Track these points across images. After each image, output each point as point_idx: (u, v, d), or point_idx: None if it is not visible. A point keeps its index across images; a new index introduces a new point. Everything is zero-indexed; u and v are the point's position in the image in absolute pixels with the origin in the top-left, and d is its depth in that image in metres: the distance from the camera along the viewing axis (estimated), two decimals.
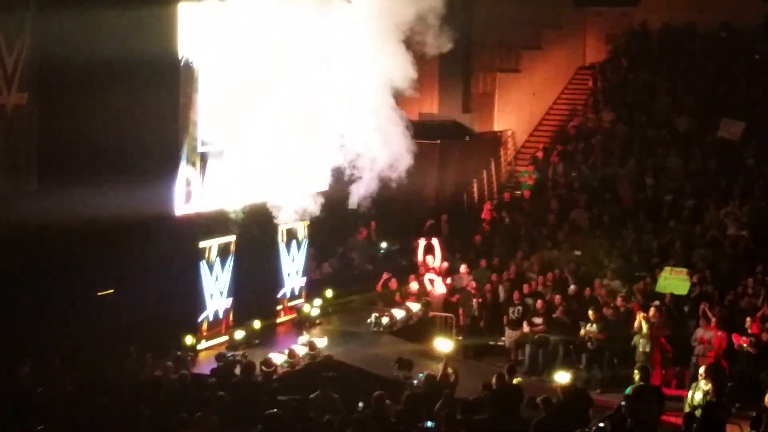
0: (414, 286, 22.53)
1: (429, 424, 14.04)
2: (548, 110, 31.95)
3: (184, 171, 18.51)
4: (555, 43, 32.63)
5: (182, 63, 18.18)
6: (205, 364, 18.03)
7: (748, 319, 19.01)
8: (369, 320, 21.58)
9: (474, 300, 22.31)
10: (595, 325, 19.93)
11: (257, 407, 14.31)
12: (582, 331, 20.06)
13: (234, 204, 19.68)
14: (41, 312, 16.94)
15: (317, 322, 21.90)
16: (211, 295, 19.71)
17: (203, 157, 18.93)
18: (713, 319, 19.05)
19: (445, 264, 23.18)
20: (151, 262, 18.26)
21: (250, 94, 18.67)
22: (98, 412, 13.80)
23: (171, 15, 17.98)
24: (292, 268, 22.15)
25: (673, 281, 20.42)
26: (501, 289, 22.52)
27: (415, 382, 16.36)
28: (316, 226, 22.52)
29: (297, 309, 21.97)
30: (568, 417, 14.49)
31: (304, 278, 22.52)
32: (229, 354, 17.99)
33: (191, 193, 18.73)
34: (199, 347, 19.10)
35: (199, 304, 19.41)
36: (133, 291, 18.03)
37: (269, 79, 18.71)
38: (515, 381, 16.19)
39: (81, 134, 17.33)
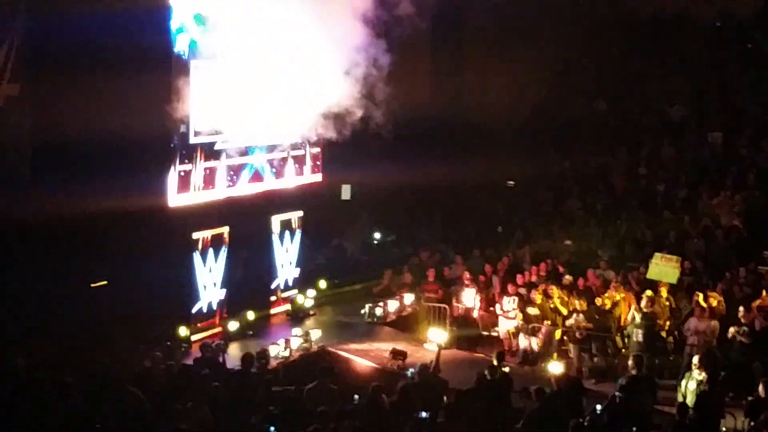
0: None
1: (423, 414, 14.06)
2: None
3: (178, 162, 18.47)
4: None
5: (175, 53, 18.13)
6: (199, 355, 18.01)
7: (741, 308, 19.01)
8: (363, 311, 21.61)
9: (468, 290, 22.28)
10: (581, 315, 19.94)
11: (252, 398, 14.31)
12: (571, 321, 20.07)
13: (227, 194, 19.66)
14: (35, 304, 16.92)
15: (311, 313, 21.92)
16: (205, 287, 19.68)
17: (196, 148, 18.89)
18: (707, 309, 19.05)
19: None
20: (145, 253, 18.20)
21: (245, 84, 18.62)
22: (93, 402, 13.77)
23: (163, 4, 17.92)
24: (286, 259, 22.15)
25: (664, 268, 20.37)
26: (495, 280, 22.50)
27: (409, 372, 16.37)
28: (310, 217, 22.52)
29: (291, 300, 21.98)
30: (561, 407, 14.52)
31: (298, 269, 22.51)
32: (213, 343, 17.81)
33: (184, 184, 18.69)
34: (192, 338, 19.08)
35: (192, 295, 19.40)
36: (127, 282, 17.98)
37: (264, 69, 18.66)
38: (504, 369, 16.27)
39: (73, 125, 17.27)
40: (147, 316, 18.06)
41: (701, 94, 28.88)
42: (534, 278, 21.86)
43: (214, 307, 19.99)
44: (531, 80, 29.94)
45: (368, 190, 25.20)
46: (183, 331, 18.93)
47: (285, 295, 22.07)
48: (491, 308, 21.46)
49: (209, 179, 19.27)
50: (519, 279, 21.76)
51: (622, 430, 14.29)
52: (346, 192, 24.70)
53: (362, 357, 19.17)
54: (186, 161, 18.66)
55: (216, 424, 13.42)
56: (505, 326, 21.03)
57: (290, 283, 22.27)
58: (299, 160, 21.75)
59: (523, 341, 20.54)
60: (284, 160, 21.32)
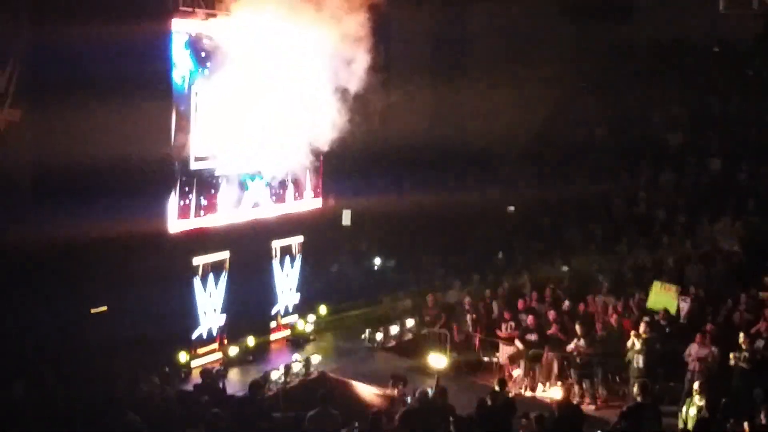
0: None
1: None
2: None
3: (178, 188, 18.51)
4: None
5: (175, 80, 18.20)
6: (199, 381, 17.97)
7: (742, 334, 18.98)
8: (363, 336, 21.58)
9: (468, 316, 22.26)
10: (582, 340, 19.91)
11: (253, 424, 14.27)
12: (571, 346, 20.04)
13: (228, 220, 19.69)
14: (35, 329, 16.88)
15: (311, 338, 21.90)
16: (205, 312, 19.68)
17: (197, 174, 18.94)
18: (708, 336, 19.03)
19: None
20: (145, 278, 18.18)
21: (245, 111, 18.69)
22: (93, 428, 13.74)
23: (164, 32, 18.01)
24: (286, 284, 22.14)
25: (663, 297, 20.42)
26: (495, 305, 22.48)
27: (409, 398, 16.32)
28: (310, 242, 22.54)
29: (291, 326, 21.96)
30: None
31: (298, 294, 22.50)
32: (214, 370, 17.83)
33: (185, 210, 18.72)
34: (193, 364, 19.05)
35: (192, 320, 19.39)
36: (127, 308, 17.97)
37: (264, 96, 18.73)
38: (507, 395, 16.21)
39: (74, 151, 17.29)
40: (147, 342, 18.01)
41: (701, 120, 28.93)
42: (534, 304, 21.85)
43: (215, 332, 19.98)
44: (532, 107, 30.04)
45: (369, 216, 25.24)
46: (183, 356, 18.91)
47: (285, 320, 22.05)
48: (492, 333, 21.44)
49: (210, 205, 19.31)
50: (520, 304, 21.75)
51: None
52: (346, 217, 24.70)
53: (362, 382, 19.13)
54: (186, 187, 18.70)
55: None
56: (505, 352, 20.98)
57: (290, 309, 22.25)
58: (299, 186, 21.78)
59: (523, 367, 20.50)
60: (284, 185, 21.35)
